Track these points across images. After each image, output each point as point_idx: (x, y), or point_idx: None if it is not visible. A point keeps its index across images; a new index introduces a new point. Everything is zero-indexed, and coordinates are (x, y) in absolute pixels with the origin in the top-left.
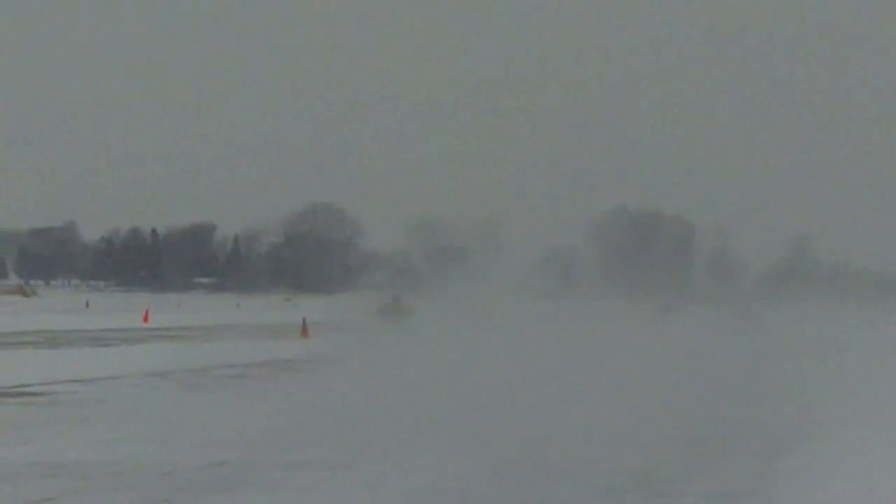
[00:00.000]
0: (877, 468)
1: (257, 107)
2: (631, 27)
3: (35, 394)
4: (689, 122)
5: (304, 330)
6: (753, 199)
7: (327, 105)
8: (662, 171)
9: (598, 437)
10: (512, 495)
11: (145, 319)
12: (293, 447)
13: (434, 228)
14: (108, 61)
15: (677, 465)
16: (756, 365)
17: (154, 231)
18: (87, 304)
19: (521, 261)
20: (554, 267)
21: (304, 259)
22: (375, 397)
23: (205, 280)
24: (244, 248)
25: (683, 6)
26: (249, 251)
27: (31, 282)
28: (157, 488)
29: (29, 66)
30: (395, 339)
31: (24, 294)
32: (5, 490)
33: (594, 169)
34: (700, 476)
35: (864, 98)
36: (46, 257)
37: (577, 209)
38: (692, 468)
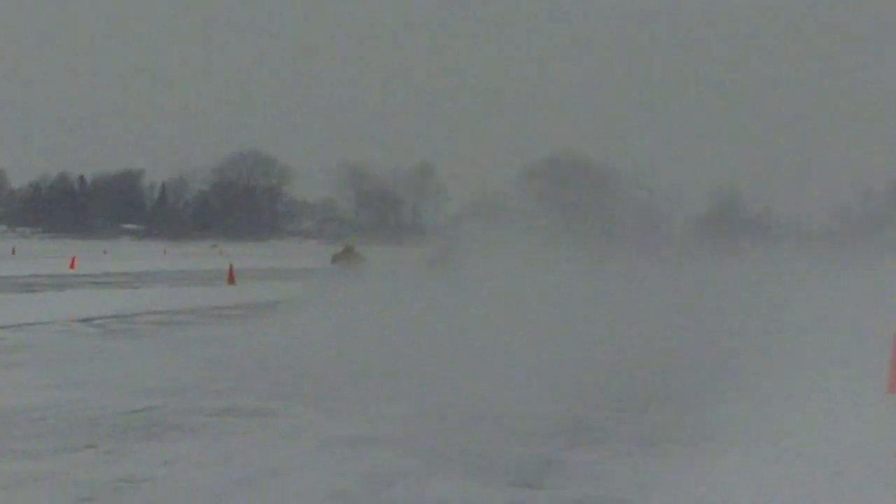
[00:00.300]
0: (811, 414)
1: (187, 54)
2: None
3: None
4: (619, 74)
5: (231, 277)
6: (681, 150)
7: (256, 52)
8: (593, 121)
9: (531, 382)
10: (436, 441)
11: (72, 266)
12: (219, 394)
13: (364, 175)
14: (34, 3)
15: (608, 411)
16: (685, 313)
17: (82, 178)
18: (14, 251)
19: (453, 207)
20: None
21: (232, 207)
22: (308, 344)
23: (132, 227)
24: (172, 196)
25: None
26: (177, 198)
27: None
28: (82, 434)
29: None
30: (330, 286)
31: None
32: None
33: (525, 118)
34: (630, 421)
35: (789, 48)
36: None
37: (508, 157)
38: (623, 413)
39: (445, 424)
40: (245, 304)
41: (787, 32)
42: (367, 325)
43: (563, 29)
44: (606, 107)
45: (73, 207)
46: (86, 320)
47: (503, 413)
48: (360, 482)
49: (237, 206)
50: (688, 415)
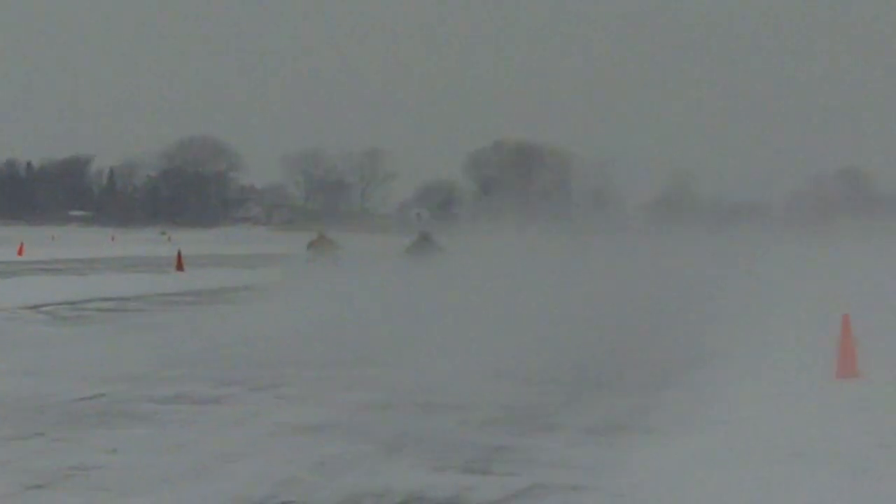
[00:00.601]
0: (760, 399)
1: (136, 38)
2: None
3: None
4: (572, 60)
5: (179, 264)
6: (633, 134)
7: (204, 36)
8: (541, 105)
9: (486, 369)
10: (389, 429)
11: (20, 252)
12: (170, 381)
13: (313, 161)
14: None
15: (560, 398)
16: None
17: (29, 164)
18: None
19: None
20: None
21: (181, 193)
22: (260, 330)
23: (80, 213)
24: (120, 182)
25: None
26: (126, 184)
27: None
28: (31, 422)
29: None
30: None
31: None
32: None
33: (477, 104)
34: (580, 409)
35: (742, 36)
36: None
37: (457, 142)
38: (574, 401)
39: (398, 412)
40: (194, 290)
41: (739, 20)
42: (327, 311)
43: (515, 15)
44: (559, 93)
45: (20, 193)
46: (34, 307)
47: (456, 401)
48: (312, 469)
49: (186, 192)
50: (640, 401)
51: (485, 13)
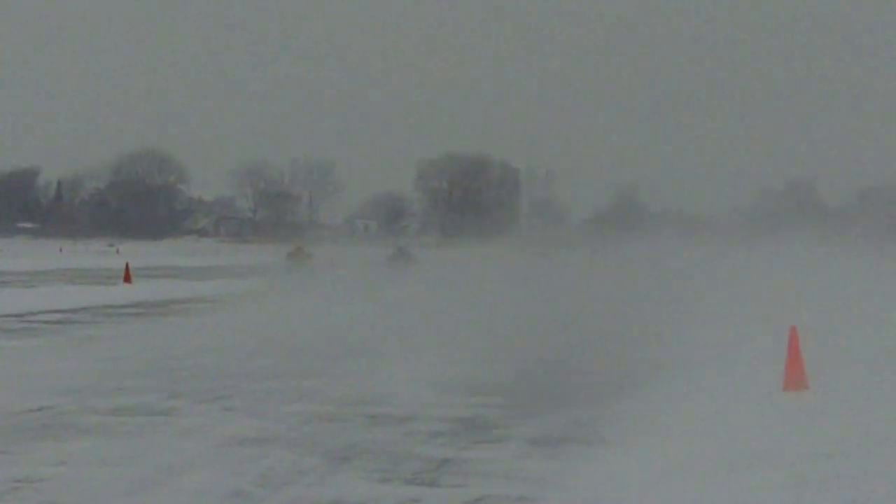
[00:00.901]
0: (707, 410)
1: (82, 51)
2: None
3: None
4: (517, 70)
5: (127, 276)
6: (581, 147)
7: (151, 48)
8: (491, 119)
9: (435, 382)
10: (336, 441)
11: None
12: (117, 393)
13: (261, 173)
14: None
15: (507, 410)
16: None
17: None
18: None
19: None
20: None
21: (129, 205)
22: (207, 342)
23: (28, 225)
24: (68, 194)
25: None
26: (73, 196)
27: None
28: None
29: None
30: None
31: None
32: None
33: (423, 115)
34: (528, 420)
35: (687, 48)
36: None
37: (406, 154)
38: (521, 412)
39: (345, 424)
40: (142, 302)
41: (683, 35)
42: (280, 322)
43: (465, 29)
44: (508, 106)
45: None
46: None
47: (403, 412)
48: (259, 482)
49: (134, 204)
50: (587, 412)
51: (435, 27)
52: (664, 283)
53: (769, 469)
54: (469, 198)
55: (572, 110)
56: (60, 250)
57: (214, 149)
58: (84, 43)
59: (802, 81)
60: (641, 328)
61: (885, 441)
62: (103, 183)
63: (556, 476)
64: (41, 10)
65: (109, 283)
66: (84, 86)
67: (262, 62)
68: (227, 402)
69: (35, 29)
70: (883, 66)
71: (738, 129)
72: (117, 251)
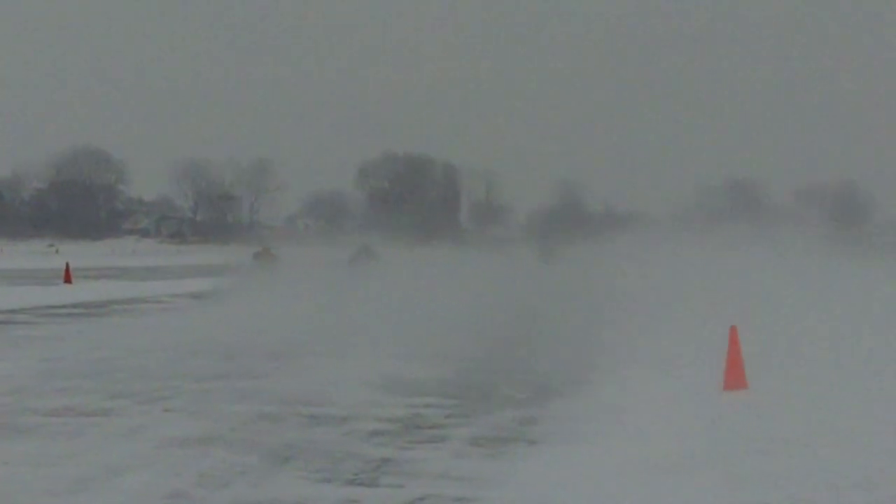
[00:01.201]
0: (647, 410)
1: (21, 48)
2: None
3: None
4: (458, 67)
5: (67, 276)
6: (520, 146)
7: (89, 46)
8: (431, 117)
9: (373, 382)
10: (275, 441)
11: None
12: (56, 393)
13: (201, 172)
14: None
15: (447, 410)
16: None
17: None
18: None
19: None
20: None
21: (70, 205)
22: (148, 343)
23: None
24: (7, 194)
25: None
26: (13, 196)
27: None
28: None
29: None
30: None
31: None
32: None
33: (363, 113)
34: (467, 420)
35: (626, 43)
36: None
37: (346, 153)
38: (461, 412)
39: (284, 424)
40: (82, 303)
41: (625, 31)
42: (226, 324)
43: (404, 26)
44: (449, 105)
45: None
46: None
47: (342, 412)
48: (198, 482)
49: (74, 204)
50: (526, 413)
51: (374, 24)
52: (605, 281)
53: (708, 468)
54: (410, 197)
55: (512, 109)
56: (1, 251)
57: (155, 148)
58: (22, 41)
59: (742, 80)
60: (583, 327)
61: (822, 439)
62: (43, 183)
63: (496, 476)
64: None
65: (49, 283)
66: (23, 84)
67: (202, 61)
68: (167, 402)
69: None
70: (822, 65)
71: (677, 128)
72: (57, 251)
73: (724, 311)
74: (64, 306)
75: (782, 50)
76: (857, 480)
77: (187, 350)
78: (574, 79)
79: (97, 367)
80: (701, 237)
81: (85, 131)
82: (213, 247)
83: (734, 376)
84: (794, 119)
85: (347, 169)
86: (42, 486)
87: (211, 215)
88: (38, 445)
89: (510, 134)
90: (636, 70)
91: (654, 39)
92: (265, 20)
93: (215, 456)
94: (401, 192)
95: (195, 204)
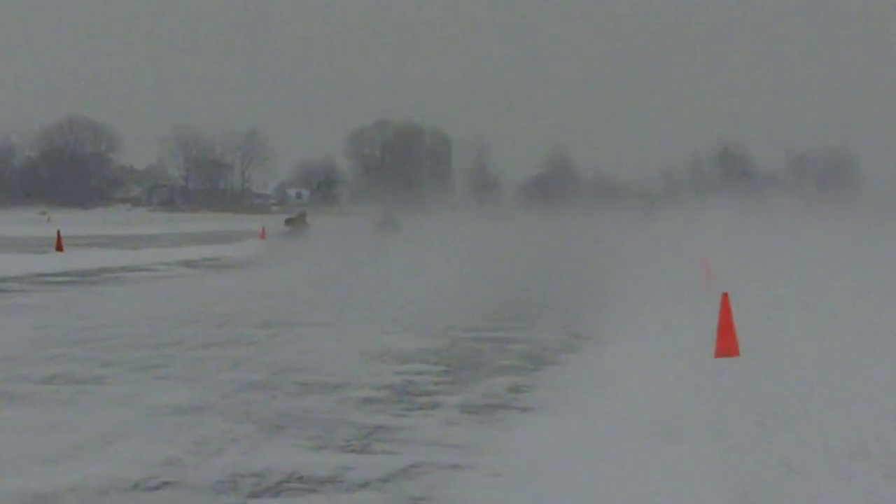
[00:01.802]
0: (638, 378)
1: (13, 18)
2: None
3: None
4: (448, 35)
5: (59, 244)
6: (512, 115)
7: (82, 15)
8: (422, 85)
9: (366, 350)
10: (268, 409)
11: None
12: (48, 361)
13: (192, 141)
14: None
15: (439, 378)
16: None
17: None
18: None
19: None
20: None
21: (60, 174)
22: (141, 311)
23: None
24: None
25: None
26: (4, 165)
27: None
28: None
29: None
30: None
31: None
32: None
33: (355, 82)
34: (460, 388)
35: (615, 10)
36: None
37: (338, 122)
38: (453, 380)
39: (278, 392)
40: (74, 271)
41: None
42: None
43: None
44: (440, 73)
45: None
46: None
47: (335, 380)
48: (192, 450)
49: (65, 173)
50: (518, 380)
51: None
52: (598, 250)
53: (698, 437)
54: (401, 166)
55: (503, 77)
56: None
57: (146, 117)
58: (13, 11)
59: (734, 47)
60: (572, 295)
61: (815, 406)
62: (34, 152)
63: (487, 443)
64: None
65: (41, 251)
66: (14, 54)
67: (194, 29)
68: (160, 370)
69: None
70: (814, 33)
71: (670, 96)
72: (49, 219)
73: (716, 277)
74: (55, 274)
75: (778, 16)
76: (851, 447)
77: (180, 318)
78: (566, 46)
79: (89, 334)
80: (694, 203)
81: (77, 100)
82: (207, 214)
83: (726, 343)
84: (785, 86)
85: (337, 138)
86: (35, 454)
87: (202, 183)
88: (30, 413)
89: (502, 103)
90: (629, 36)
91: (646, 7)
92: None
93: (208, 423)
94: (391, 161)
95: (187, 172)
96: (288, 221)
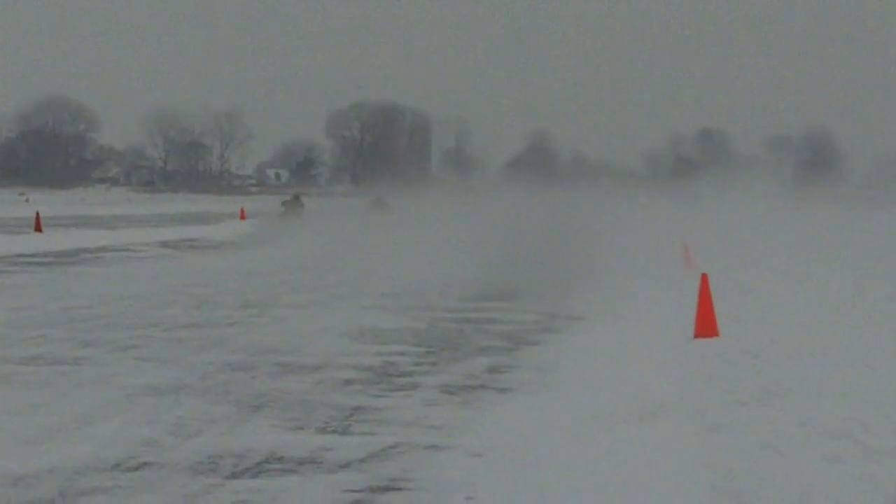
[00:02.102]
0: (618, 359)
1: None
2: None
3: None
4: (428, 15)
5: (38, 225)
6: (492, 94)
7: None
8: (401, 66)
9: (345, 331)
10: (247, 390)
11: None
12: (27, 342)
13: (171, 122)
14: None
15: (419, 358)
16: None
17: None
18: None
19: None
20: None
21: (39, 154)
22: (119, 291)
23: None
24: None
25: None
26: None
27: None
28: None
29: None
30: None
31: None
32: None
33: (333, 62)
34: (439, 368)
35: None
36: None
37: (316, 102)
38: (433, 361)
39: (257, 373)
40: (53, 251)
41: None
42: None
43: None
44: (419, 53)
45: None
46: None
47: (314, 361)
48: (171, 430)
49: (44, 153)
50: (497, 361)
51: None
52: (577, 230)
53: (679, 417)
54: (380, 146)
55: (482, 56)
56: None
57: (125, 97)
58: None
59: (713, 28)
60: (551, 275)
61: (793, 386)
62: (13, 132)
63: (467, 424)
64: None
65: (20, 232)
66: None
67: (172, 9)
68: (138, 351)
69: None
70: (793, 14)
71: (649, 77)
72: (27, 200)
73: (695, 259)
74: (34, 255)
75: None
76: (831, 428)
77: (158, 299)
78: (545, 26)
79: (67, 315)
80: (673, 183)
81: (56, 80)
82: (186, 195)
83: (705, 324)
84: (764, 68)
85: (316, 118)
86: (13, 436)
87: (181, 164)
88: (8, 394)
89: (482, 83)
90: (608, 16)
91: None
92: None
93: (187, 404)
94: (370, 141)
95: (165, 153)
96: (284, 203)
